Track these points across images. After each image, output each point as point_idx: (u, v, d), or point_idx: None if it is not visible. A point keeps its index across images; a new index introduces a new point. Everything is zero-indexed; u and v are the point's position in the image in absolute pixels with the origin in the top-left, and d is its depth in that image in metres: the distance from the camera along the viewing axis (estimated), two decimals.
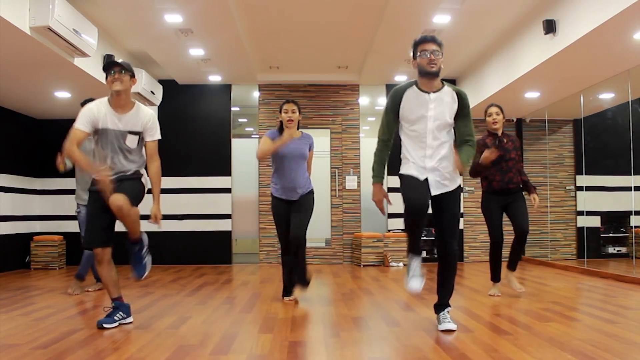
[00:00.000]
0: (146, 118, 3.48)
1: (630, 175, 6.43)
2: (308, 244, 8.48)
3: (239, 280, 6.10)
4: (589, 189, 7.58)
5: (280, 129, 4.43)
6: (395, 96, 3.26)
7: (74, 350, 2.89)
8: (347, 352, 2.88)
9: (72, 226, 7.88)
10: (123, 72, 3.39)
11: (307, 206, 4.42)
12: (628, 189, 6.66)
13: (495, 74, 6.85)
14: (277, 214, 4.50)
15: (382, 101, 8.54)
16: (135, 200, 3.41)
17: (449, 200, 3.27)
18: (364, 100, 8.65)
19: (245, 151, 8.43)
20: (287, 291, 4.54)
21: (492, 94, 6.89)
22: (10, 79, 5.94)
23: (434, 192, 3.20)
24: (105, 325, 3.39)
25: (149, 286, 5.57)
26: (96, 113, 3.38)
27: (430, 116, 3.19)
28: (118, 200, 3.26)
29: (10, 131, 7.52)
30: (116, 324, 3.46)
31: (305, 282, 4.50)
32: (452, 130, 3.30)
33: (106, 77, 3.41)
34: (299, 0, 5.51)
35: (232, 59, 7.05)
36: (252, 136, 8.63)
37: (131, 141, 3.45)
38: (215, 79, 8.05)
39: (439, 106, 3.19)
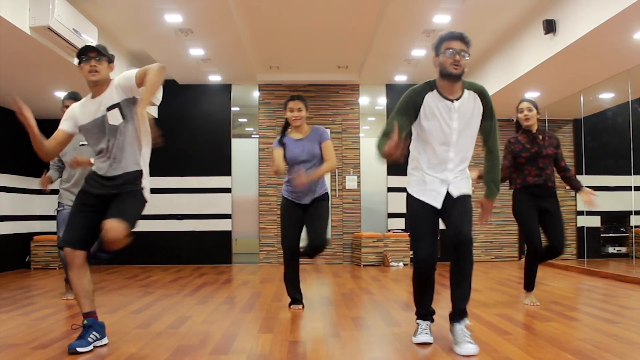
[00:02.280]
0: (115, 82, 2.97)
1: (630, 175, 6.43)
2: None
3: (239, 280, 6.09)
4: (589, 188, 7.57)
5: (285, 129, 4.19)
6: (415, 97, 2.86)
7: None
8: (347, 352, 2.88)
9: None
10: (99, 58, 2.94)
11: (324, 212, 4.11)
12: (628, 189, 6.66)
13: (495, 74, 6.85)
14: (286, 215, 4.14)
15: (382, 101, 8.54)
16: (133, 224, 2.89)
17: (465, 199, 2.93)
18: (364, 100, 8.66)
19: (245, 151, 8.43)
20: (295, 300, 4.20)
21: (492, 93, 6.88)
22: (10, 79, 5.94)
23: (455, 194, 2.87)
24: (78, 350, 2.80)
25: (149, 286, 5.57)
26: (77, 110, 3.02)
27: (454, 128, 2.83)
28: (115, 229, 2.73)
29: (10, 131, 7.51)
30: (90, 346, 2.87)
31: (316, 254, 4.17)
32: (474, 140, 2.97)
33: (79, 63, 2.97)
34: (299, 1, 5.51)
35: (232, 59, 7.05)
36: (252, 136, 8.63)
37: (113, 117, 2.92)
38: (215, 79, 8.05)
39: (464, 116, 2.85)
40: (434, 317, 3.10)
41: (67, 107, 4.45)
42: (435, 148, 2.87)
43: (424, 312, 3.06)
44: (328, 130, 4.21)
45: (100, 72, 2.95)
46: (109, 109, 2.93)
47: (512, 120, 8.60)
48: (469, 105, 2.86)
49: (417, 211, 2.94)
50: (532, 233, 4.11)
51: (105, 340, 3.00)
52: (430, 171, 2.90)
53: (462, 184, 2.92)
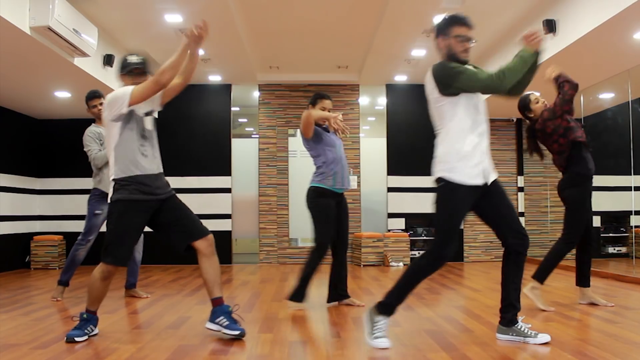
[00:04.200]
0: None
1: (630, 175, 6.43)
2: (308, 244, 8.53)
3: (239, 280, 6.09)
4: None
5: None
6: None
7: (74, 350, 2.90)
8: (347, 352, 2.88)
9: (73, 226, 7.90)
10: (148, 76, 3.26)
11: (347, 210, 4.37)
12: (628, 189, 6.66)
13: None
14: (328, 208, 4.15)
15: (382, 101, 8.54)
16: None
17: (501, 187, 2.96)
18: (364, 100, 8.65)
19: (245, 151, 8.43)
20: (339, 295, 4.25)
21: None
22: (10, 79, 5.94)
23: (491, 178, 2.89)
24: (76, 339, 3.07)
25: (149, 286, 5.57)
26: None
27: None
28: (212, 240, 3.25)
29: (10, 131, 7.52)
30: (86, 337, 3.14)
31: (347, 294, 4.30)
32: None
33: (124, 75, 3.28)
34: (299, 1, 5.51)
35: (232, 59, 7.05)
36: (252, 136, 8.63)
37: (149, 122, 3.24)
38: (215, 79, 8.05)
39: None
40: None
41: (95, 106, 4.64)
42: (474, 115, 2.87)
43: (398, 304, 2.96)
44: None
45: None
46: (147, 114, 3.22)
47: (512, 120, 8.62)
48: None
49: (461, 200, 2.85)
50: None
51: (96, 331, 3.26)
52: (475, 140, 2.86)
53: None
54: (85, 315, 3.18)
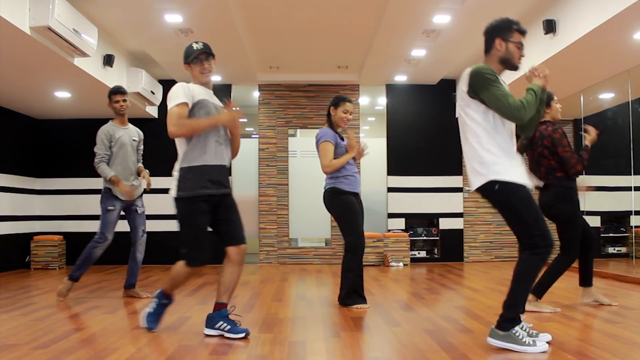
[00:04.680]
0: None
1: (630, 175, 6.43)
2: (308, 244, 8.53)
3: (238, 281, 6.09)
4: (589, 189, 7.57)
5: (331, 124, 4.37)
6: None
7: (74, 350, 2.90)
8: (347, 352, 2.88)
9: (73, 226, 7.90)
10: (211, 58, 3.24)
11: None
12: (628, 189, 6.66)
13: None
14: (354, 206, 4.33)
15: (382, 101, 8.53)
16: None
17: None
18: (364, 100, 8.65)
19: (245, 151, 8.35)
20: (361, 298, 4.20)
21: None
22: (10, 79, 5.94)
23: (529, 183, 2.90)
24: (152, 331, 3.30)
25: (149, 286, 5.56)
26: (189, 87, 3.18)
27: None
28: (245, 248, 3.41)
29: (10, 131, 7.52)
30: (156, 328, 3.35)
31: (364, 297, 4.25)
32: None
33: (189, 64, 3.22)
34: (299, 0, 5.51)
35: (232, 59, 7.05)
36: (252, 136, 8.63)
37: None
38: (215, 79, 8.04)
39: None
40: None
41: (117, 101, 4.68)
42: (508, 129, 2.90)
43: (524, 305, 2.89)
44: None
45: (212, 71, 3.28)
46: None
47: None
48: None
49: (530, 198, 2.82)
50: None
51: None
52: (511, 151, 2.86)
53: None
54: (163, 301, 3.35)
